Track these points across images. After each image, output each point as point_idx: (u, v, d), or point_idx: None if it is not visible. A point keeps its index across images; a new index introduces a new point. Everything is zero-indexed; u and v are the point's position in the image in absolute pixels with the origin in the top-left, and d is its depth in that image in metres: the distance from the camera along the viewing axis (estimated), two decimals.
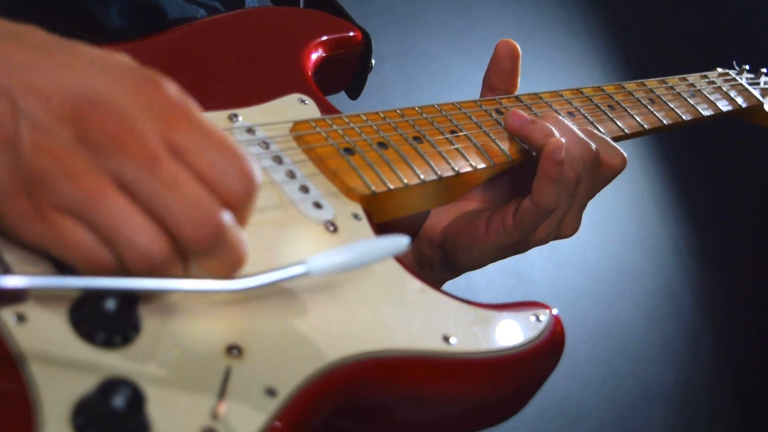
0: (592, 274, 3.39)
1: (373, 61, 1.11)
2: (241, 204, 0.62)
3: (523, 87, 1.09)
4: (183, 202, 0.59)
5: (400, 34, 3.01)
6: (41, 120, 0.57)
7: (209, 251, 0.61)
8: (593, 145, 0.96)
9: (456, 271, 1.04)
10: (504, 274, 2.94)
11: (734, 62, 1.43)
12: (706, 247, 3.86)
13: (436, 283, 0.94)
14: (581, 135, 0.97)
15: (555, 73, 3.46)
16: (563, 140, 0.93)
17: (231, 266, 0.64)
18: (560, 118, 0.99)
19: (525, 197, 0.95)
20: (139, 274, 0.60)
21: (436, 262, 1.03)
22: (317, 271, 0.67)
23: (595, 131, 1.02)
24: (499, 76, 1.07)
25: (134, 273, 0.60)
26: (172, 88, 0.62)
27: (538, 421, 2.94)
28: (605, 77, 3.73)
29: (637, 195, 3.68)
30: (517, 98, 1.06)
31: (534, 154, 0.97)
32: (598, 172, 0.98)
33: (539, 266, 3.15)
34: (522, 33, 3.51)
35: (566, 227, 0.99)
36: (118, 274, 0.60)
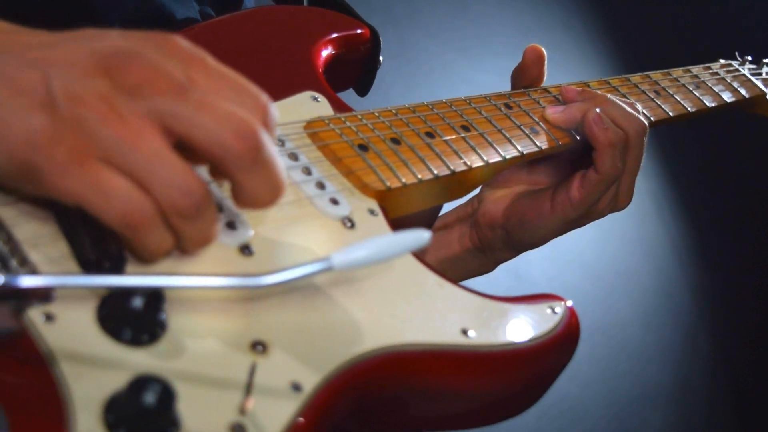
0: (591, 273, 3.40)
1: (381, 58, 1.12)
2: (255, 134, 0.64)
3: None
4: (219, 117, 0.61)
5: (398, 33, 3.02)
6: (72, 77, 0.60)
7: (252, 164, 0.63)
8: (633, 113, 1.04)
9: (518, 250, 1.11)
10: (503, 274, 2.95)
11: (736, 53, 1.44)
12: (705, 246, 3.87)
13: (495, 263, 1.07)
14: (619, 103, 1.04)
15: (553, 71, 3.46)
16: (597, 110, 1.01)
17: (274, 185, 0.65)
18: (596, 93, 1.06)
19: (587, 170, 1.03)
20: (177, 216, 0.62)
21: (497, 244, 1.10)
22: (340, 266, 0.67)
23: None
24: (528, 82, 1.12)
25: (172, 216, 0.62)
26: (185, 42, 0.65)
27: (537, 421, 2.94)
28: (604, 74, 3.74)
29: (636, 194, 3.68)
30: (527, 93, 1.08)
31: (578, 136, 1.04)
32: (641, 139, 1.04)
33: (539, 266, 3.15)
34: (519, 32, 3.52)
35: (623, 197, 1.07)
36: (155, 225, 0.61)
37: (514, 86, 1.13)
